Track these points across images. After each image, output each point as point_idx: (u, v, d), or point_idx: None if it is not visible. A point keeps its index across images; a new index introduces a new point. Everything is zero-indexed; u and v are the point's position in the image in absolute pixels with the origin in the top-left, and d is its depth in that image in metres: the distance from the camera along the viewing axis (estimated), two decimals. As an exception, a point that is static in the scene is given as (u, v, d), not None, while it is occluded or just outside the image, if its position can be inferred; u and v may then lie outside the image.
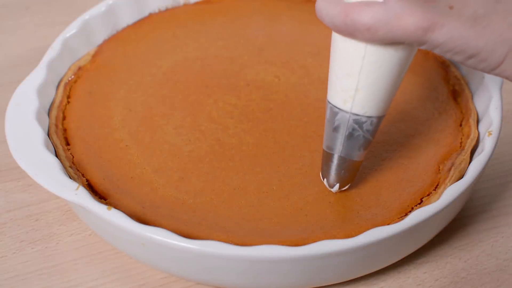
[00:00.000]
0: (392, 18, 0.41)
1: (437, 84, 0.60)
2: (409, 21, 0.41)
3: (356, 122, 0.47)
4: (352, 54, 0.44)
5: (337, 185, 0.50)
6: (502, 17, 0.41)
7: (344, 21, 0.42)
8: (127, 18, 0.65)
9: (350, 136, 0.48)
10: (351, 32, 0.43)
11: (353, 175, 0.50)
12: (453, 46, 0.42)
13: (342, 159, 0.49)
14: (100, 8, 0.63)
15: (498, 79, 0.56)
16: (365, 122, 0.47)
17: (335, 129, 0.48)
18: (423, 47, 0.43)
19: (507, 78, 0.43)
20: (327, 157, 0.50)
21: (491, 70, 0.43)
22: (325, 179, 0.50)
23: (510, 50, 0.42)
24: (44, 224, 0.56)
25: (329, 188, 0.51)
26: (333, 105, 0.47)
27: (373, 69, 0.44)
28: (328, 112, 0.48)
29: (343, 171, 0.49)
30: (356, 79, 0.45)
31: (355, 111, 0.47)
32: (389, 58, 0.44)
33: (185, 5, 0.68)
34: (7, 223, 0.56)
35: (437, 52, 0.43)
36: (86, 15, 0.63)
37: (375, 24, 0.41)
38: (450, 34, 0.41)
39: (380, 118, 0.48)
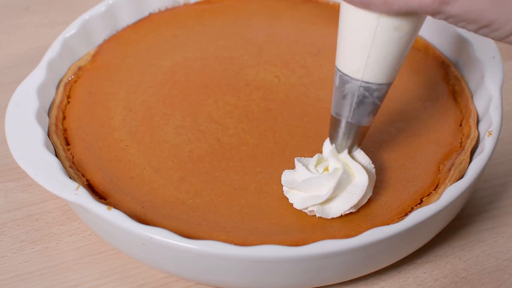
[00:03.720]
0: None
1: (437, 84, 0.60)
2: None
3: (367, 89, 0.47)
4: (364, 26, 0.44)
5: (346, 151, 0.51)
6: None
7: None
8: (127, 18, 0.65)
9: (360, 103, 0.48)
10: (366, 4, 0.43)
11: (361, 139, 0.51)
12: (467, 17, 0.42)
13: (351, 125, 0.49)
14: (100, 8, 0.63)
15: (498, 79, 0.56)
16: (376, 89, 0.47)
17: (345, 96, 0.48)
18: (436, 17, 0.43)
19: None
20: (336, 123, 0.50)
21: (501, 39, 0.43)
22: (333, 145, 0.51)
23: None
24: (44, 224, 0.56)
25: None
26: (343, 73, 0.48)
27: (384, 40, 0.45)
28: (337, 79, 0.48)
29: (352, 136, 0.50)
30: (368, 50, 0.45)
31: (366, 79, 0.47)
32: (401, 28, 0.44)
33: (185, 5, 0.68)
34: (7, 223, 0.56)
35: (449, 22, 0.43)
36: (86, 15, 0.63)
37: None
38: (465, 6, 0.41)
39: (389, 85, 0.48)
